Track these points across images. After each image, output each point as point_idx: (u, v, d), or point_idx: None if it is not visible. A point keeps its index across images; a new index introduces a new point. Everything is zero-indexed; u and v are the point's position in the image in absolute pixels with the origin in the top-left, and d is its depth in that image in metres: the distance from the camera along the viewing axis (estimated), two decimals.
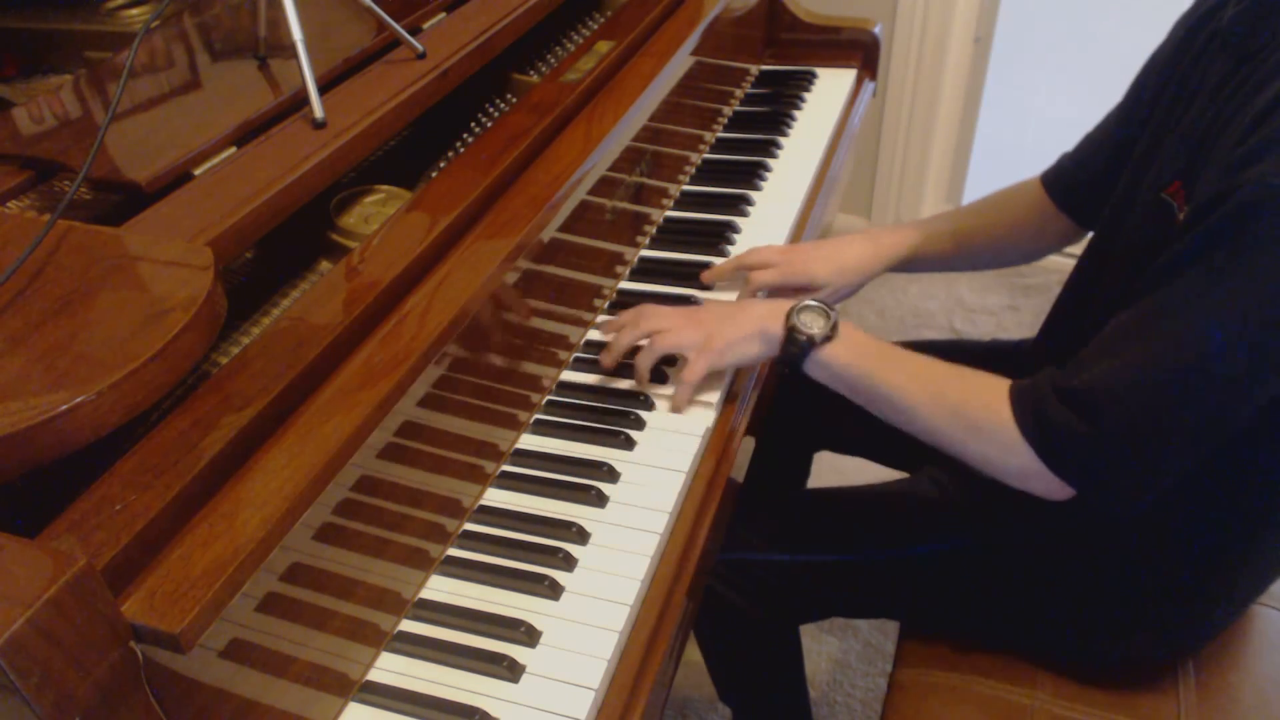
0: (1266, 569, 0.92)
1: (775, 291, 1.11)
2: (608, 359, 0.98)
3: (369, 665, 0.75)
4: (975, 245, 1.14)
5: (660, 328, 0.96)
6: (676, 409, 0.96)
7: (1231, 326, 0.71)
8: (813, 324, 0.90)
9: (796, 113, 1.48)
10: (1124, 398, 0.75)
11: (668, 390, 0.98)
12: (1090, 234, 1.09)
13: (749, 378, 1.04)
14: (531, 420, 0.95)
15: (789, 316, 0.91)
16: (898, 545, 1.02)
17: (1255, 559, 0.89)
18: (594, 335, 1.06)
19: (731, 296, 1.13)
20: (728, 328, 0.94)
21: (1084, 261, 1.00)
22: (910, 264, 1.15)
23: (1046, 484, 0.80)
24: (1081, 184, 1.06)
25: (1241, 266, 0.70)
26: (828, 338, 0.89)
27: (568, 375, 1.01)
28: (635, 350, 0.98)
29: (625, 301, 1.11)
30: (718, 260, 1.16)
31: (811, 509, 1.10)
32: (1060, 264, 2.43)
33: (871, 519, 1.05)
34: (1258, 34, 0.77)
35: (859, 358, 0.89)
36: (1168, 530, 0.88)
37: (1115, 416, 0.75)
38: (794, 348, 0.90)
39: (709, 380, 0.98)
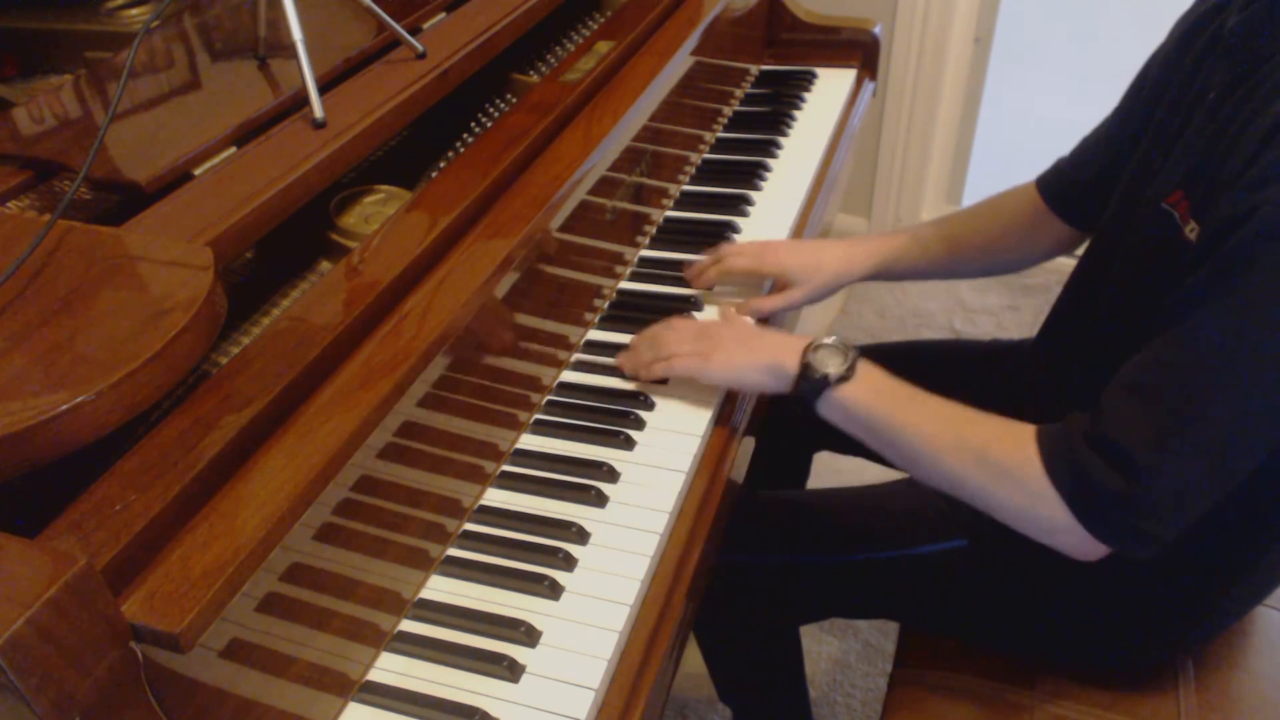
0: (1268, 571, 0.92)
1: (748, 290, 1.11)
2: (624, 362, 1.00)
3: (369, 665, 0.75)
4: (966, 252, 1.13)
5: (675, 350, 0.96)
6: (632, 372, 0.98)
7: (1264, 359, 0.68)
8: (829, 362, 0.87)
9: (796, 113, 1.48)
10: (1161, 450, 0.72)
11: (668, 389, 0.98)
12: (1085, 240, 1.09)
13: None
14: (531, 420, 0.95)
15: (805, 353, 0.88)
16: (897, 546, 1.02)
17: (1256, 562, 0.89)
18: (594, 335, 1.06)
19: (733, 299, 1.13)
20: (737, 349, 0.93)
21: (1084, 264, 1.00)
22: (896, 271, 1.14)
23: (1077, 540, 0.77)
24: (1078, 188, 1.06)
25: (1266, 292, 0.68)
26: (844, 377, 0.86)
27: (568, 375, 1.01)
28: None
29: (625, 301, 1.11)
30: (704, 258, 1.15)
31: (811, 510, 1.10)
32: (1060, 264, 2.41)
33: (871, 520, 1.05)
34: (1262, 41, 0.76)
35: (877, 398, 0.86)
36: None
37: (1153, 471, 0.72)
38: (807, 385, 0.87)
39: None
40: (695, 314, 1.08)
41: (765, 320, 1.11)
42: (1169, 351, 0.73)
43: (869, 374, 0.87)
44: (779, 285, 1.12)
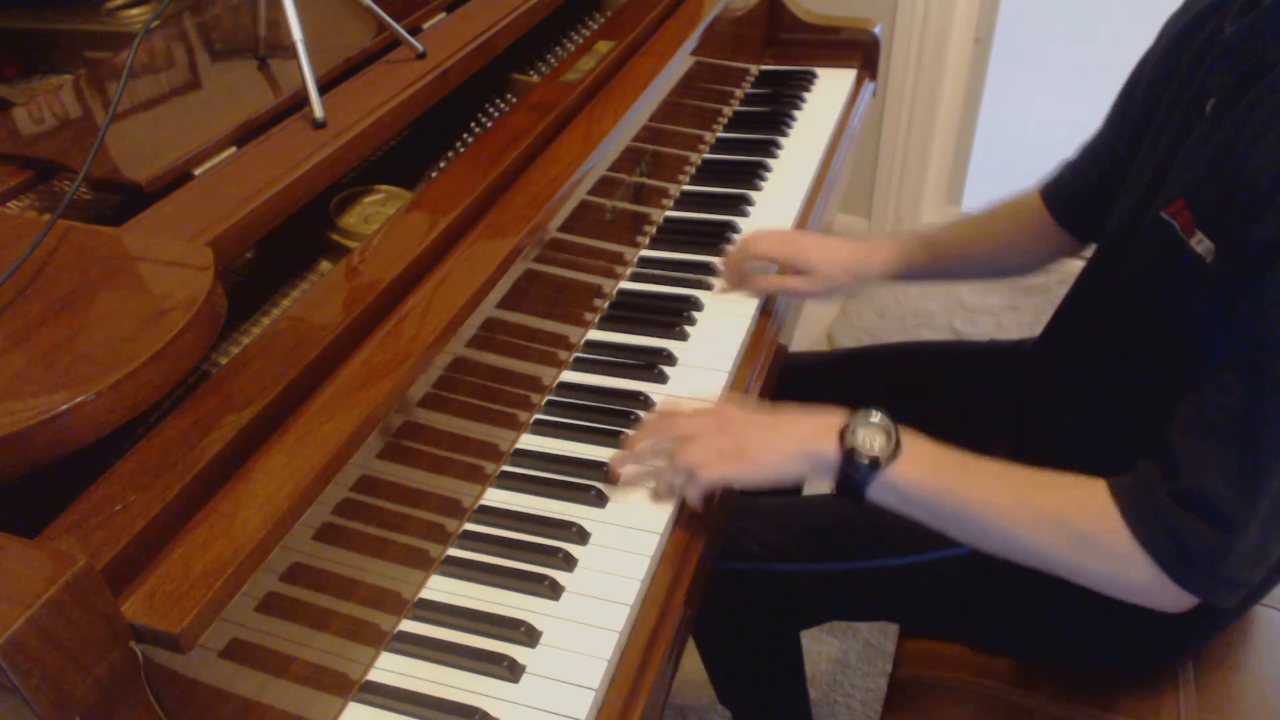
0: (1269, 573, 0.91)
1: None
2: (621, 464, 0.88)
3: (369, 665, 0.75)
4: (975, 256, 1.13)
5: (686, 434, 0.85)
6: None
7: None
8: (874, 440, 0.79)
9: (796, 113, 1.48)
10: (1250, 494, 0.69)
11: (668, 390, 0.98)
12: (1089, 245, 1.08)
13: (748, 379, 1.04)
14: (531, 420, 0.95)
15: (844, 436, 0.80)
16: (899, 553, 1.01)
17: None
18: (594, 335, 1.06)
19: (740, 299, 1.13)
20: (763, 443, 0.84)
21: (1090, 268, 0.99)
22: (909, 273, 1.14)
23: (1170, 598, 0.74)
24: (1080, 197, 1.05)
25: None
26: (893, 456, 0.79)
27: (568, 375, 1.01)
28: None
29: (625, 301, 1.11)
30: (717, 260, 1.16)
31: (810, 516, 1.09)
32: (1062, 265, 2.42)
33: (872, 527, 1.05)
34: (1264, 44, 0.74)
35: (934, 473, 0.79)
36: None
37: (1244, 517, 0.69)
38: (855, 473, 0.80)
39: (708, 380, 0.98)
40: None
41: (768, 306, 1.12)
42: (1234, 385, 0.70)
43: (917, 447, 0.80)
44: (789, 270, 1.13)
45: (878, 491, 0.81)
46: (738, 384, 1.02)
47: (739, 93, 1.53)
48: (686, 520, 0.87)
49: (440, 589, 0.80)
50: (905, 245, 1.13)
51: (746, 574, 1.05)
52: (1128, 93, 0.99)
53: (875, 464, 0.79)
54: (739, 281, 1.12)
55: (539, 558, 0.82)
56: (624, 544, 0.83)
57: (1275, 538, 0.72)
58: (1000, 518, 0.77)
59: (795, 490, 1.43)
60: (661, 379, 1.00)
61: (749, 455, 0.84)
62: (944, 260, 1.13)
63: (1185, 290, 0.77)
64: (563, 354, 1.02)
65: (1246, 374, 0.69)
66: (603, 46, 1.12)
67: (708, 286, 1.13)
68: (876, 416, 0.81)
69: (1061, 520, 0.75)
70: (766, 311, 1.12)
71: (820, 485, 0.85)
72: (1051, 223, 1.08)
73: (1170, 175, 0.82)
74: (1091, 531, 0.74)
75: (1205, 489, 0.70)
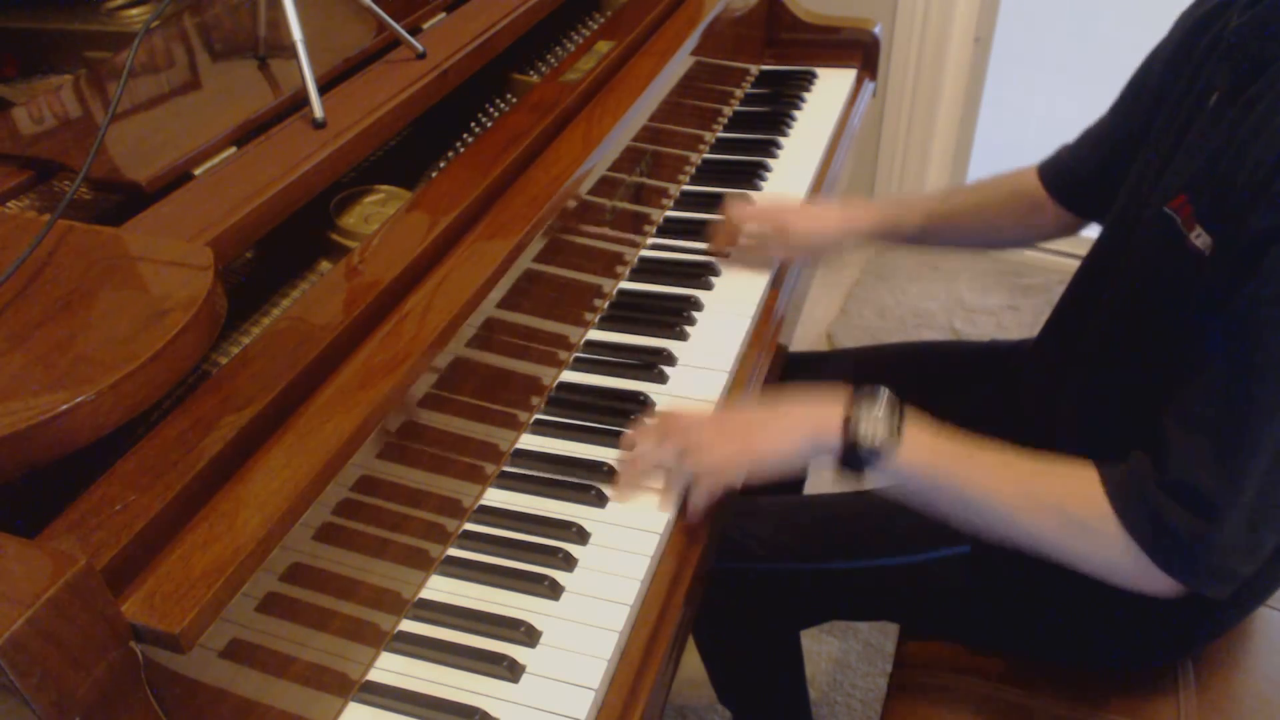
0: (1268, 573, 0.91)
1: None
2: (627, 477, 0.88)
3: (369, 665, 0.75)
4: (966, 225, 1.15)
5: (689, 444, 0.86)
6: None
7: None
8: (876, 430, 0.81)
9: (796, 113, 1.48)
10: (1234, 484, 0.70)
11: (668, 389, 0.98)
12: (1081, 229, 1.10)
13: (749, 376, 1.04)
14: (532, 420, 0.95)
15: (848, 426, 0.82)
16: (898, 553, 1.01)
17: (1260, 567, 0.89)
18: (594, 335, 1.06)
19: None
20: (765, 438, 0.85)
21: (1087, 265, 1.00)
22: (897, 235, 1.16)
23: (1162, 586, 0.75)
24: (1077, 180, 1.06)
25: None
26: (894, 444, 0.81)
27: (568, 375, 1.01)
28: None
29: (625, 301, 1.11)
30: (718, 260, 1.16)
31: (810, 515, 1.09)
32: (1060, 264, 2.43)
33: (871, 526, 1.05)
34: (1266, 41, 0.74)
35: (935, 458, 0.81)
36: None
37: (1228, 507, 0.70)
38: (858, 459, 0.82)
39: (708, 381, 0.98)
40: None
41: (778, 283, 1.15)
42: (1227, 378, 0.71)
43: (918, 431, 0.82)
44: (783, 237, 1.16)
45: (879, 477, 0.83)
46: (738, 384, 1.02)
47: (739, 93, 1.53)
48: (686, 520, 0.87)
49: (440, 589, 0.80)
50: (891, 209, 1.16)
51: (746, 573, 1.05)
52: (1137, 83, 0.99)
53: (876, 453, 0.81)
54: (727, 242, 1.17)
55: (539, 558, 0.82)
56: (624, 544, 0.83)
57: (1267, 530, 0.73)
58: (999, 502, 0.79)
59: (796, 488, 1.44)
60: (661, 379, 1.00)
61: (755, 450, 0.85)
62: (933, 226, 1.15)
63: (1184, 285, 0.78)
64: (563, 354, 1.02)
65: (1234, 365, 0.71)
66: (603, 46, 1.12)
67: (708, 286, 1.13)
68: (879, 406, 0.82)
69: (1058, 507, 0.78)
70: (767, 311, 1.12)
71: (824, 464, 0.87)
72: (1045, 199, 1.10)
73: (1171, 170, 0.82)
74: (1085, 518, 0.76)
75: (1190, 478, 0.72)
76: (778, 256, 1.17)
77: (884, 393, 0.83)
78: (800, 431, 0.85)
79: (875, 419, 0.81)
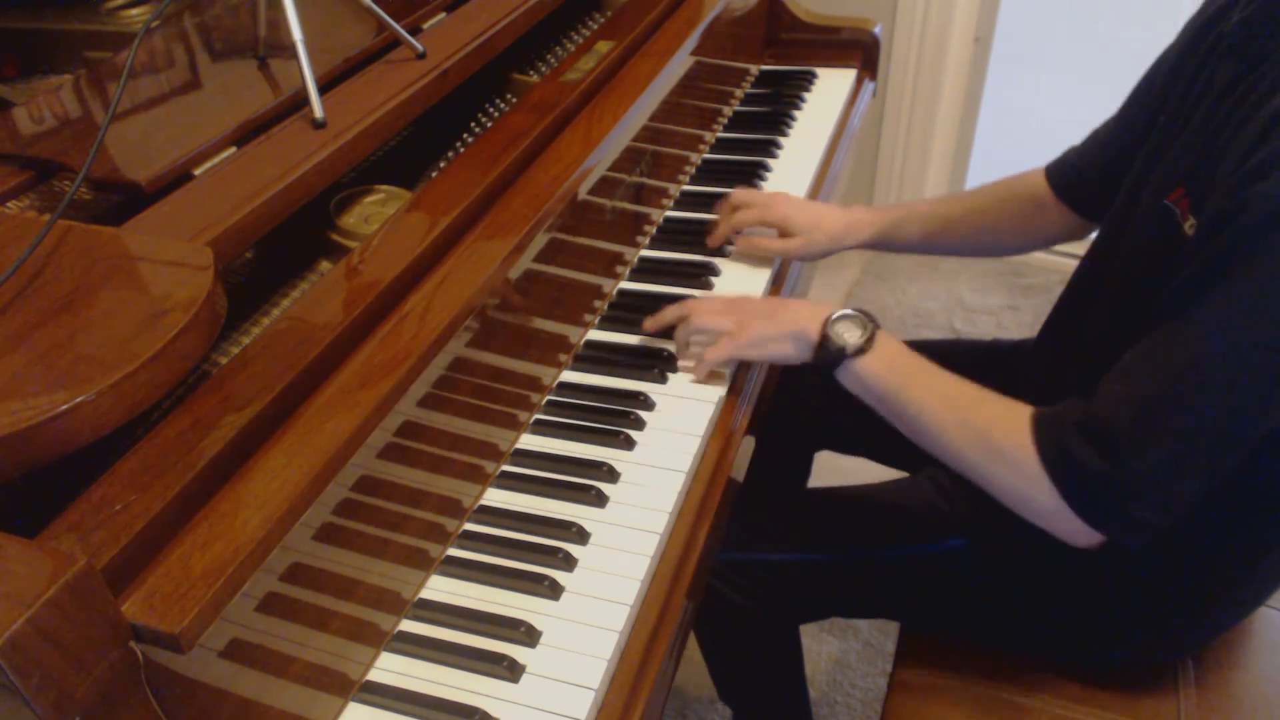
0: (1268, 573, 0.91)
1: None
2: (649, 324, 1.03)
3: (369, 665, 0.75)
4: (967, 231, 1.15)
5: (701, 310, 0.98)
6: (697, 379, 0.99)
7: (1235, 345, 0.70)
8: (848, 334, 0.90)
9: (796, 113, 1.48)
10: (1143, 431, 0.73)
11: (668, 389, 0.98)
12: (1090, 229, 1.10)
13: (750, 375, 1.04)
14: (531, 420, 0.95)
15: (826, 323, 0.91)
16: (898, 546, 1.02)
17: (1258, 562, 0.89)
18: (594, 335, 1.06)
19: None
20: (763, 323, 0.95)
21: (1086, 263, 1.00)
22: (895, 244, 1.17)
23: (1071, 526, 0.79)
24: (1084, 180, 1.07)
25: (1260, 285, 0.69)
26: (861, 349, 0.89)
27: (568, 375, 1.01)
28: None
29: (625, 302, 1.11)
30: (718, 260, 1.16)
31: (811, 509, 1.10)
32: (1060, 264, 2.43)
33: (872, 519, 1.05)
34: (1261, 40, 0.76)
35: (890, 372, 0.88)
36: (1169, 532, 0.88)
37: (1133, 451, 0.74)
38: (827, 356, 0.90)
39: (710, 379, 0.98)
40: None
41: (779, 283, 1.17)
42: (1162, 339, 0.74)
43: (886, 347, 0.89)
44: (781, 235, 1.17)
45: (843, 376, 0.91)
46: (738, 384, 1.02)
47: (739, 93, 1.53)
48: (687, 519, 0.87)
49: (440, 589, 0.80)
50: (891, 217, 1.17)
51: (747, 565, 1.06)
52: (1144, 86, 1.00)
53: (843, 352, 0.89)
54: (716, 239, 1.19)
55: (539, 558, 0.82)
56: (624, 544, 0.83)
57: (1183, 481, 0.74)
58: (935, 421, 0.85)
59: (797, 484, 1.44)
60: (661, 378, 1.00)
61: (749, 335, 0.94)
62: (935, 232, 1.16)
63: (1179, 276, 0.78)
64: (563, 354, 1.02)
65: (1174, 327, 0.73)
66: (603, 46, 1.12)
67: (708, 286, 1.13)
68: (859, 319, 0.90)
69: (985, 435, 0.82)
70: None
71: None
72: (1051, 200, 1.10)
73: (1169, 164, 0.83)
74: (1006, 448, 0.80)
75: (1103, 416, 0.75)
76: (777, 256, 1.17)
77: (869, 313, 0.91)
78: (789, 321, 0.93)
79: (851, 325, 0.90)
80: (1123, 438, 0.74)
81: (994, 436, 0.82)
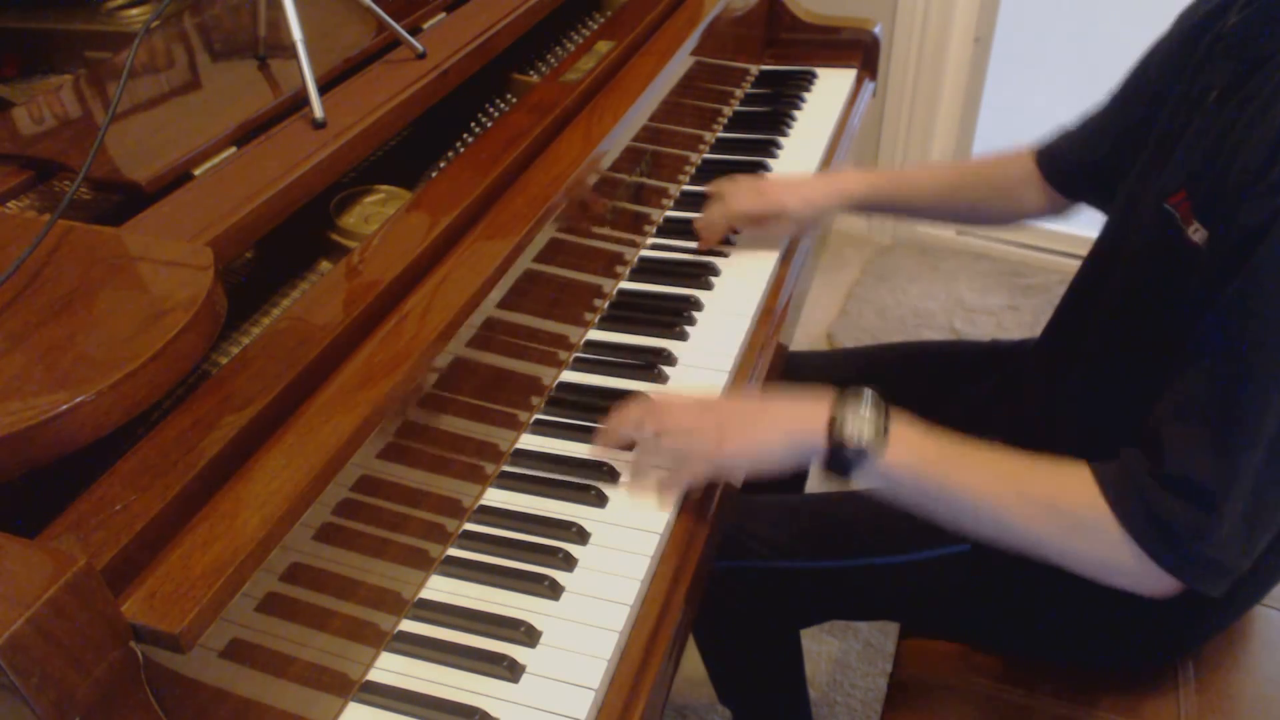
0: (1267, 572, 0.91)
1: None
2: (600, 440, 0.89)
3: (369, 665, 0.75)
4: (956, 198, 1.17)
5: (669, 427, 0.85)
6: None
7: None
8: (863, 430, 0.78)
9: (796, 113, 1.48)
10: (1230, 471, 0.69)
11: (668, 390, 0.98)
12: (1073, 208, 1.12)
13: (748, 380, 1.04)
14: (531, 420, 0.95)
15: (833, 426, 0.79)
16: (898, 551, 1.02)
17: (1257, 562, 0.89)
18: (594, 335, 1.06)
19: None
20: (748, 432, 0.83)
21: (1087, 264, 1.00)
22: (886, 205, 1.18)
23: (1159, 581, 0.74)
24: (1074, 164, 1.07)
25: None
26: (880, 445, 0.79)
27: (568, 375, 1.01)
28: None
29: (625, 301, 1.11)
30: (718, 260, 1.16)
31: (810, 513, 1.09)
32: (1061, 264, 2.43)
33: (871, 525, 1.05)
34: (1262, 41, 0.75)
35: (922, 459, 0.79)
36: None
37: (1224, 495, 0.70)
38: (843, 463, 0.80)
39: (709, 381, 0.98)
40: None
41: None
42: (1214, 367, 0.71)
43: (905, 432, 0.80)
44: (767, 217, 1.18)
45: (865, 478, 0.81)
46: (738, 384, 1.02)
47: (739, 93, 1.53)
48: (687, 519, 0.87)
49: (440, 589, 0.80)
50: (882, 176, 1.18)
51: (746, 571, 1.05)
52: (1136, 78, 1.00)
53: (863, 454, 0.79)
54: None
55: (539, 558, 0.82)
56: (624, 544, 0.83)
57: (1261, 521, 0.72)
58: (992, 503, 0.78)
59: (796, 487, 1.44)
60: (661, 379, 1.00)
61: (735, 443, 0.83)
62: (925, 197, 1.17)
63: (1183, 280, 0.78)
64: (563, 354, 1.02)
65: (1227, 355, 0.70)
66: (603, 46, 1.12)
67: (708, 286, 1.13)
68: (865, 406, 0.80)
69: (1051, 504, 0.76)
70: (767, 311, 1.12)
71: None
72: (1037, 179, 1.11)
73: (1170, 166, 0.83)
74: (1079, 516, 0.75)
75: (1188, 471, 0.71)
76: (783, 235, 1.18)
77: (869, 393, 0.81)
78: (783, 429, 0.83)
79: (861, 419, 0.79)
80: (1214, 488, 0.70)
81: (1060, 505, 0.76)
